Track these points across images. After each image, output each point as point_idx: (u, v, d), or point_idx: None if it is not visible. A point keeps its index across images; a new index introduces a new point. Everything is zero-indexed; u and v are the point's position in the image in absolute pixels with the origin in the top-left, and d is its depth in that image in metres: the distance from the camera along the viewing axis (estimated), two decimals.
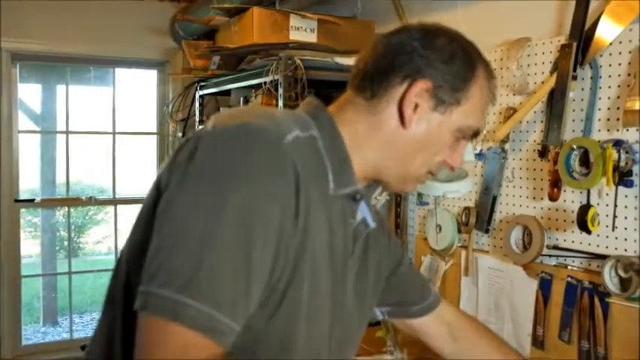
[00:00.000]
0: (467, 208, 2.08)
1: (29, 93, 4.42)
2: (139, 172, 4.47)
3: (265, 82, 2.22)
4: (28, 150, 3.97)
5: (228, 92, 2.76)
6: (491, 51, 2.00)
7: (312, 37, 2.47)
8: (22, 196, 3.46)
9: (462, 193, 1.76)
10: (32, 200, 3.53)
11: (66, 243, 7.34)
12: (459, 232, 2.15)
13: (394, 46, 0.96)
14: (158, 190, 0.86)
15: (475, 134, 1.01)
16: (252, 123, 0.86)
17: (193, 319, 0.75)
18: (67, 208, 4.25)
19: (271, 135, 0.85)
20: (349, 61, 2.35)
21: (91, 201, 3.60)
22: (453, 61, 0.95)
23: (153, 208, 0.85)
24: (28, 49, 3.31)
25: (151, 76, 3.65)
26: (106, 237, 7.95)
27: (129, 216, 4.76)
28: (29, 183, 4.52)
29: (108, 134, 3.59)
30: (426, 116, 0.95)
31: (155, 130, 3.64)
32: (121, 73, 3.72)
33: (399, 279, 1.24)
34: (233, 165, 0.81)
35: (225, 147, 0.83)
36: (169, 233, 0.79)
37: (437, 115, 0.95)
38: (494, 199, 1.98)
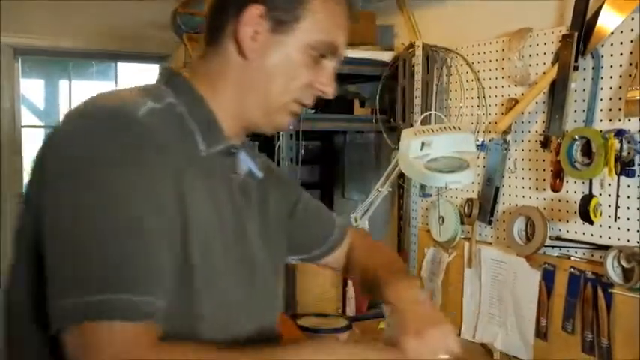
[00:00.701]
0: (469, 200, 2.08)
1: (32, 88, 4.42)
2: None
3: None
4: (31, 145, 3.98)
5: None
6: (492, 42, 2.00)
7: None
8: None
9: (464, 184, 1.75)
10: None
11: None
12: (462, 223, 2.15)
13: None
14: (33, 212, 0.83)
15: (334, 51, 0.96)
16: (97, 109, 0.83)
17: (111, 310, 0.74)
18: None
19: (121, 115, 0.82)
20: (351, 53, 2.34)
21: None
22: None
23: (33, 233, 0.82)
24: (30, 44, 3.32)
25: (152, 69, 3.65)
26: None
27: None
28: None
29: None
30: (266, 41, 0.91)
31: None
32: (123, 67, 3.73)
33: (297, 220, 1.21)
34: (96, 157, 0.79)
35: (81, 141, 0.80)
36: (62, 247, 0.78)
37: (279, 37, 0.91)
38: (497, 190, 1.98)
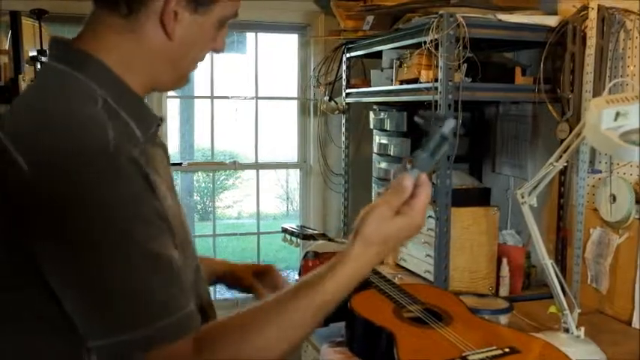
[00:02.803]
0: None
1: None
2: (279, 137, 4.51)
3: (425, 42, 2.11)
4: (170, 115, 4.11)
5: (377, 54, 2.67)
6: None
7: None
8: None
9: None
10: (179, 164, 3.64)
11: (199, 207, 7.67)
12: (637, 202, 1.97)
13: None
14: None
15: (234, 17, 1.02)
16: (67, 142, 0.81)
17: (163, 337, 0.82)
18: (200, 173, 4.34)
19: (96, 151, 0.82)
20: (512, 18, 2.20)
21: (235, 165, 3.67)
22: None
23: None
24: None
25: (291, 40, 3.63)
26: (237, 202, 8.22)
27: (264, 181, 4.84)
28: (171, 148, 4.69)
29: (250, 99, 3.63)
30: (187, 22, 0.94)
31: (296, 95, 3.63)
32: (262, 38, 3.74)
33: None
34: (83, 194, 0.80)
35: (66, 183, 0.80)
36: (86, 289, 0.82)
37: (198, 17, 0.95)
38: None
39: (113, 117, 0.88)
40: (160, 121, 1.00)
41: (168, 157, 1.07)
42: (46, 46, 2.61)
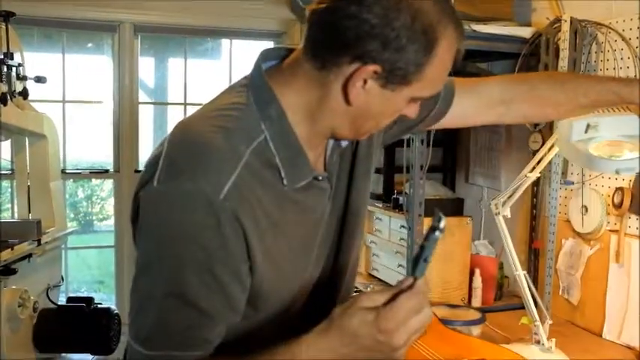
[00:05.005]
0: (619, 189, 1.91)
1: (145, 66, 4.50)
2: None
3: None
4: (145, 122, 4.05)
5: None
6: None
7: None
8: (141, 168, 3.52)
9: (638, 170, 1.56)
10: None
11: None
12: (608, 214, 1.98)
13: (350, 18, 0.87)
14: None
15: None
16: (190, 188, 0.87)
17: None
18: None
19: (205, 196, 0.87)
20: (486, 28, 2.20)
21: None
22: (411, 45, 0.88)
23: None
24: (150, 21, 3.35)
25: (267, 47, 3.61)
26: None
27: None
28: (144, 154, 4.62)
29: None
30: (374, 93, 0.92)
31: None
32: (237, 44, 3.71)
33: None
34: (174, 230, 0.88)
35: (167, 214, 0.89)
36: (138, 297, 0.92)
37: (387, 92, 0.92)
38: None
39: (263, 158, 0.93)
40: (315, 176, 1.00)
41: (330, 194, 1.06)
42: (12, 49, 2.56)
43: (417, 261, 0.84)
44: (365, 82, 0.91)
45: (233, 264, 0.90)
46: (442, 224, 0.82)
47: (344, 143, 1.05)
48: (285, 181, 0.95)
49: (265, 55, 1.00)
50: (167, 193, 0.88)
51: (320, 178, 1.01)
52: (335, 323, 0.87)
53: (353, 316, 0.85)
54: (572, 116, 1.37)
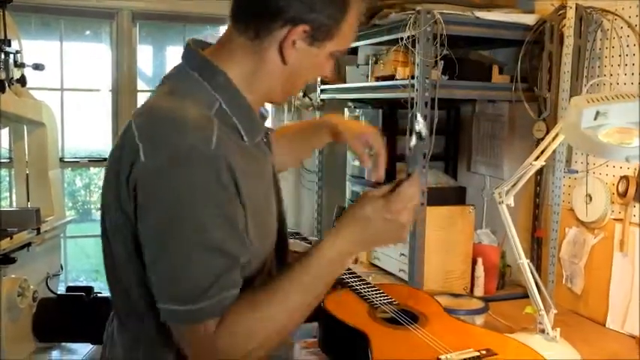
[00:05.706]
0: (624, 177, 1.89)
1: (144, 54, 4.46)
2: None
3: (402, 38, 2.08)
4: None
5: (353, 50, 2.63)
6: None
7: None
8: None
9: None
10: None
11: None
12: (612, 202, 1.96)
13: None
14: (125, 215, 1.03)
15: (345, 51, 1.16)
16: (181, 148, 0.96)
17: (200, 316, 0.98)
18: None
19: (199, 151, 0.96)
20: (490, 15, 2.18)
21: None
22: (330, 3, 1.06)
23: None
24: (148, 8, 3.32)
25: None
26: None
27: None
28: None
29: None
30: (302, 51, 1.08)
31: None
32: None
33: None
34: (182, 192, 0.96)
35: (169, 179, 0.96)
36: (155, 256, 0.99)
37: (313, 49, 1.08)
38: None
39: (224, 121, 1.04)
40: (267, 131, 1.18)
41: (272, 156, 1.23)
42: (10, 36, 2.53)
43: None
44: (294, 42, 1.06)
45: (235, 205, 1.01)
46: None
47: (266, 113, 1.21)
48: (245, 138, 1.08)
49: (195, 43, 1.14)
50: (160, 161, 0.96)
51: (265, 138, 1.18)
52: (350, 214, 1.07)
53: (365, 204, 1.07)
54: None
